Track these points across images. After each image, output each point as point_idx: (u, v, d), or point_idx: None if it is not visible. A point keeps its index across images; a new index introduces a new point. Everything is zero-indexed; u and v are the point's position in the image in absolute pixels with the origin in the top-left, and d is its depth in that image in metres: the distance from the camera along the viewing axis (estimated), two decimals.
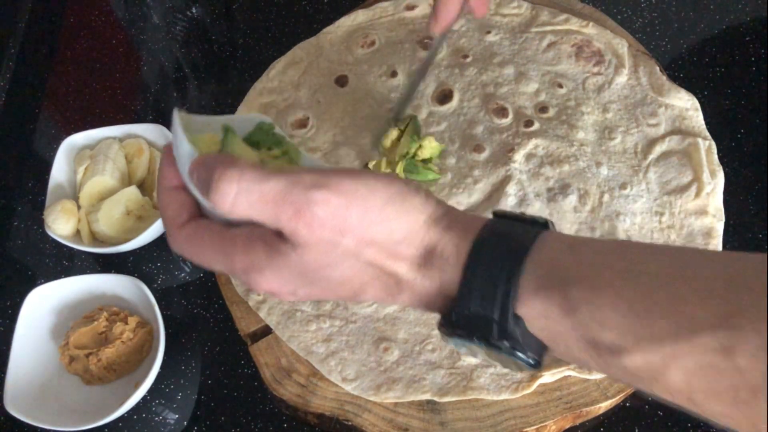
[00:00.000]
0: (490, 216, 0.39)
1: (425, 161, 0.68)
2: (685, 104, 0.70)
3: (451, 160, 0.68)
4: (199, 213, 0.41)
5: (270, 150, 0.46)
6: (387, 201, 0.36)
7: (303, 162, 0.45)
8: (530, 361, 0.36)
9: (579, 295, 0.33)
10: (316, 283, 0.38)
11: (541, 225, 0.37)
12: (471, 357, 0.44)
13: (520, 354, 0.35)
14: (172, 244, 0.41)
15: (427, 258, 0.37)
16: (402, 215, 0.37)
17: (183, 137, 0.39)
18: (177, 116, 0.41)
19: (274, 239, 0.37)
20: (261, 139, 0.46)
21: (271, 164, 0.44)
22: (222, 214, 0.38)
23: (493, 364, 0.40)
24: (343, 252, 0.36)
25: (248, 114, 0.47)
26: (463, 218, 0.38)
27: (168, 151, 0.41)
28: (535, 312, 0.34)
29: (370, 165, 0.68)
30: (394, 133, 0.68)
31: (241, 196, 0.35)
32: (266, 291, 0.39)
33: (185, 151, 0.39)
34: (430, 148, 0.67)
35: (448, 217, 0.38)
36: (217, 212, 0.39)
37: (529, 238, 0.36)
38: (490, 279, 0.35)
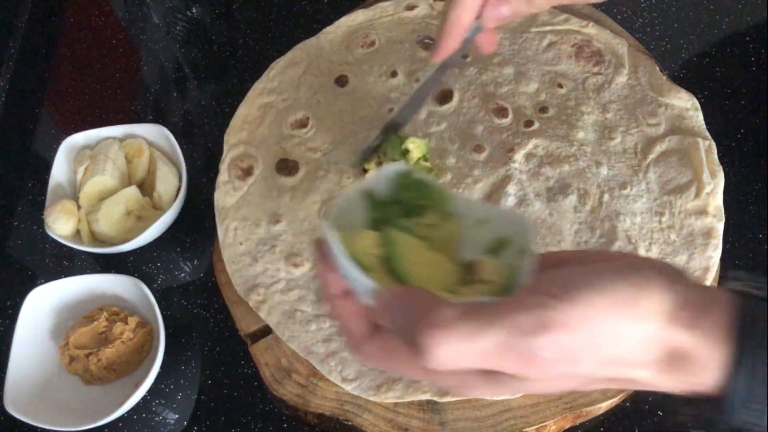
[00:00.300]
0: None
1: (418, 161, 0.67)
2: (685, 104, 0.70)
3: (451, 160, 0.68)
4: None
5: (422, 209, 0.43)
6: (617, 315, 0.32)
7: (457, 205, 0.43)
8: None
9: None
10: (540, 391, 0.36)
11: None
12: None
13: None
14: (359, 355, 0.38)
15: (673, 361, 0.33)
16: (636, 323, 0.33)
17: (348, 263, 0.37)
18: (327, 225, 0.38)
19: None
20: (406, 197, 0.43)
21: (438, 236, 0.42)
22: None
23: None
24: (577, 377, 0.34)
25: (382, 170, 0.45)
26: (703, 305, 0.33)
27: (320, 254, 0.38)
28: None
29: (367, 167, 0.68)
30: (373, 162, 0.67)
31: (454, 356, 0.32)
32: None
33: (359, 281, 0.37)
34: (417, 148, 0.67)
35: (688, 309, 0.33)
36: None
37: None
38: (758, 386, 0.32)
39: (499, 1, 0.56)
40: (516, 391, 0.35)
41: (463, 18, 0.56)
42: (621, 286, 0.33)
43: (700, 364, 0.33)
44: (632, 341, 0.33)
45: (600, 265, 0.35)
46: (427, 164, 0.67)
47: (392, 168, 0.43)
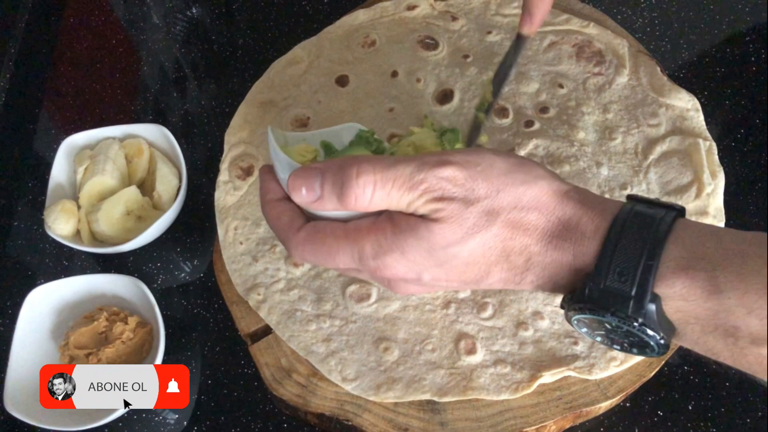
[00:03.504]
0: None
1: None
2: (686, 104, 0.70)
3: None
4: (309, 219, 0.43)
5: None
6: (509, 170, 0.38)
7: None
8: (660, 341, 0.36)
9: (725, 279, 0.33)
10: (443, 264, 0.39)
11: (678, 211, 0.38)
12: (588, 338, 0.45)
13: (651, 332, 0.35)
14: (293, 248, 0.42)
15: (561, 231, 0.38)
16: (528, 183, 0.38)
17: (279, 151, 0.42)
18: (271, 132, 0.44)
19: (401, 217, 0.39)
20: (361, 152, 0.48)
21: None
22: (339, 215, 0.41)
23: (610, 347, 0.41)
24: (472, 226, 0.38)
25: (342, 125, 0.50)
26: (594, 196, 0.39)
27: (266, 168, 0.44)
28: (675, 292, 0.34)
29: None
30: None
31: (372, 186, 0.38)
32: (393, 277, 0.41)
33: (286, 163, 0.42)
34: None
35: (578, 193, 0.39)
36: (326, 214, 0.42)
37: (669, 221, 0.36)
38: (630, 255, 0.35)
39: None
40: (419, 249, 0.38)
41: None
42: (515, 156, 0.40)
43: (583, 235, 0.37)
44: (524, 197, 0.38)
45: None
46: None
47: (351, 126, 0.49)
